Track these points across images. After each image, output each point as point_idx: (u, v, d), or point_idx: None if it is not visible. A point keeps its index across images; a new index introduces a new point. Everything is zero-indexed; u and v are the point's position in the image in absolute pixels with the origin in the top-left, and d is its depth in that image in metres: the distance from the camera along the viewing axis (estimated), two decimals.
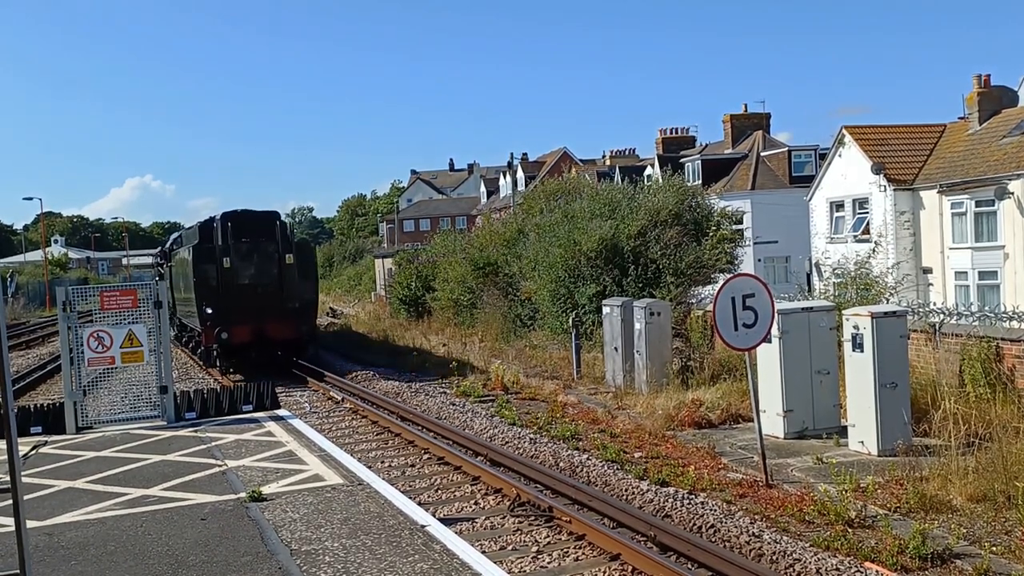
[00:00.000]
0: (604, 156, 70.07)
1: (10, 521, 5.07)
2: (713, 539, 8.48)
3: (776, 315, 11.01)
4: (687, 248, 20.25)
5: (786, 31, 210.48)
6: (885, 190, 33.24)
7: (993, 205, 29.52)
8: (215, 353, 21.14)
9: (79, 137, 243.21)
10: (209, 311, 20.58)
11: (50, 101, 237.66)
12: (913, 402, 11.44)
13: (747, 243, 26.57)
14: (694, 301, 20.16)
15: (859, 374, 11.25)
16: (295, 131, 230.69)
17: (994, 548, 7.69)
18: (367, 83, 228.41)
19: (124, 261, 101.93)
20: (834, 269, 19.80)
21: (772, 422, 12.23)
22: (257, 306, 20.64)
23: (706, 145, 54.33)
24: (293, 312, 21.21)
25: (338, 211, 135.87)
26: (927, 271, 32.26)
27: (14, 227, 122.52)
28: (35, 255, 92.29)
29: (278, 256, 21.28)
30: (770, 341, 11.44)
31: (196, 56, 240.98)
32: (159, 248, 39.68)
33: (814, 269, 35.52)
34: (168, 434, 11.68)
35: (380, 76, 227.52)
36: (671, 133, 56.03)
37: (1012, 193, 28.57)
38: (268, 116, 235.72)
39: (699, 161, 46.49)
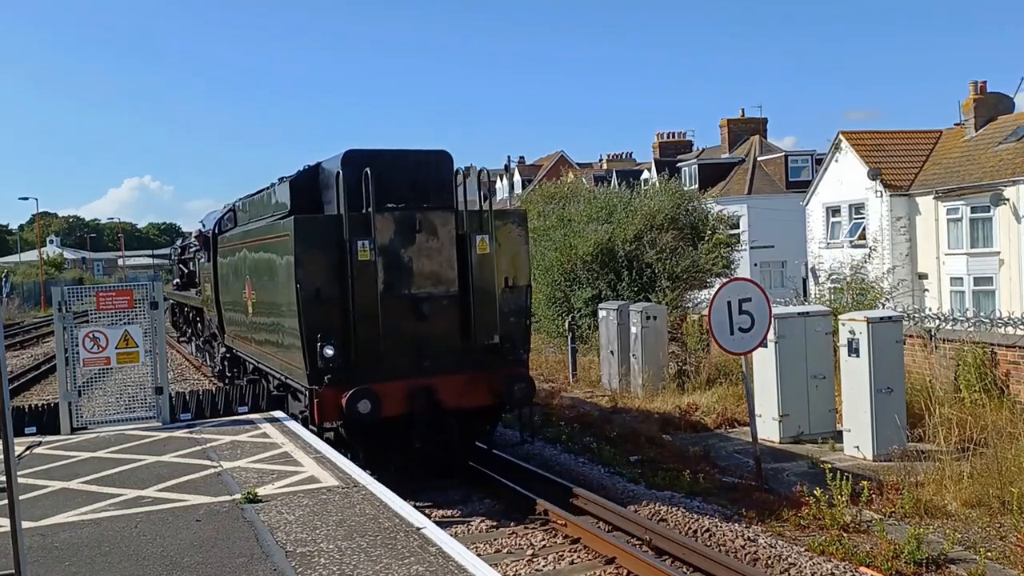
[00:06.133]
0: (601, 160, 70.09)
1: (5, 522, 5.07)
2: (708, 543, 8.48)
3: (772, 320, 11.04)
4: (683, 252, 20.28)
5: (789, 33, 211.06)
6: (881, 195, 33.32)
7: (989, 211, 29.63)
8: (333, 436, 10.48)
9: (77, 137, 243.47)
10: (329, 352, 10.06)
11: (48, 101, 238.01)
12: (908, 407, 11.47)
13: (743, 247, 26.58)
14: (690, 305, 20.18)
15: (855, 379, 11.27)
16: (293, 133, 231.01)
17: (989, 553, 7.71)
18: (364, 86, 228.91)
19: (120, 262, 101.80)
20: (830, 274, 19.84)
21: (768, 426, 12.25)
22: (421, 343, 10.46)
23: (703, 149, 54.44)
24: (490, 352, 10.72)
25: None
26: (923, 276, 32.34)
27: (9, 227, 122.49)
28: (30, 255, 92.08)
29: (460, 239, 10.72)
30: (766, 346, 11.47)
31: (196, 57, 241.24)
32: (196, 230, 24.02)
33: (810, 274, 35.58)
34: (163, 435, 11.64)
35: (377, 80, 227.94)
36: (668, 137, 56.20)
37: (1007, 199, 28.67)
38: (267, 118, 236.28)
39: (696, 165, 46.59)
